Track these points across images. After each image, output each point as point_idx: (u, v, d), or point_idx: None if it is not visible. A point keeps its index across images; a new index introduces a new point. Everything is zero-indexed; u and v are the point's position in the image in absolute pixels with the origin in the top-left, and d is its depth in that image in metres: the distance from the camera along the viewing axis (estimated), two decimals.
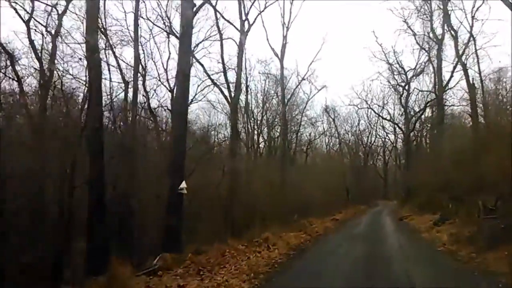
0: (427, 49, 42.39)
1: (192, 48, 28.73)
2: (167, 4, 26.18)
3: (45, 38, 19.14)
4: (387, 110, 58.51)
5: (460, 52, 34.19)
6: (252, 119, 39.90)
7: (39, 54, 18.81)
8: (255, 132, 40.43)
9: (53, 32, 19.12)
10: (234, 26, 27.81)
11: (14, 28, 19.69)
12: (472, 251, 13.77)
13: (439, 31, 39.39)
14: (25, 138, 14.52)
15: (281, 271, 12.60)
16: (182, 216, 15.47)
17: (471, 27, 33.01)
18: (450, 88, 40.42)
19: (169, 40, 28.22)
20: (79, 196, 13.08)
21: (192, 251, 14.03)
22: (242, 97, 34.77)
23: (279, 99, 38.25)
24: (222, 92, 27.89)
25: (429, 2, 38.64)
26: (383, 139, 69.74)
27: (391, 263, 13.54)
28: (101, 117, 14.27)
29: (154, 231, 16.67)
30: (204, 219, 21.98)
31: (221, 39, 27.40)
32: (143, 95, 26.19)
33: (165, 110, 28.90)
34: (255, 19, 29.55)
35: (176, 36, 28.05)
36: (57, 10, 19.04)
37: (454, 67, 37.82)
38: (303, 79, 40.78)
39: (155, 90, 25.72)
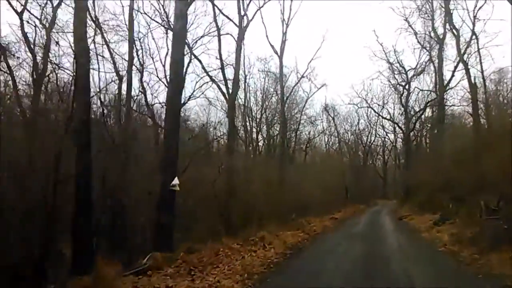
0: (428, 48, 42.16)
1: (191, 45, 28.49)
2: None
3: (41, 31, 18.83)
4: (387, 110, 58.48)
5: (462, 51, 33.80)
6: (251, 117, 39.80)
7: (32, 47, 18.45)
8: (254, 130, 40.20)
9: (47, 25, 18.73)
10: (233, 22, 27.34)
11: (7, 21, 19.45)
12: (475, 252, 13.34)
13: (440, 30, 39.28)
14: (16, 132, 14.08)
15: (277, 272, 12.10)
16: (174, 214, 14.89)
17: (473, 25, 32.65)
18: (450, 88, 40.37)
19: (167, 36, 27.74)
20: (65, 191, 12.49)
21: (185, 250, 13.57)
22: (241, 94, 34.74)
23: (279, 97, 37.93)
24: (220, 88, 27.46)
25: (430, 1, 38.43)
26: (382, 139, 69.70)
27: (391, 263, 13.07)
28: (89, 108, 13.74)
29: (147, 229, 16.14)
30: (200, 217, 21.51)
31: (219, 35, 26.95)
32: (140, 91, 25.94)
33: (162, 106, 28.70)
34: (254, 14, 29.01)
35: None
36: (51, 3, 18.67)
37: (456, 67, 37.63)
38: (302, 76, 40.66)
39: (152, 86, 25.65)
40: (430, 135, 49.54)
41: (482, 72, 31.69)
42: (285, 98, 37.66)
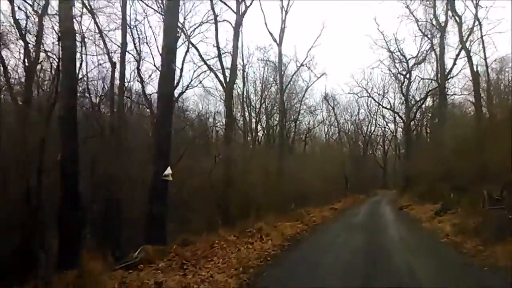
0: (429, 36, 41.61)
1: (188, 33, 28.00)
2: None
3: (34, 18, 18.27)
4: (388, 99, 58.35)
5: (464, 38, 33.22)
6: (251, 107, 39.31)
7: (24, 34, 17.90)
8: (253, 120, 39.79)
9: (39, 11, 18.15)
10: (230, 8, 26.79)
11: None
12: (479, 244, 12.86)
13: (442, 18, 38.70)
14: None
15: (274, 264, 11.63)
16: (167, 205, 14.31)
17: (476, 12, 32.04)
18: (452, 77, 40.15)
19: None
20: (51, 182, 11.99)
21: (179, 243, 13.12)
22: (240, 84, 34.29)
23: (278, 86, 37.51)
24: (217, 77, 26.99)
25: None
26: (382, 129, 69.38)
27: (392, 256, 12.59)
28: (75, 94, 13.18)
29: (141, 220, 15.60)
30: (197, 208, 21.12)
31: (216, 22, 26.41)
32: (137, 80, 25.46)
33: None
34: (252, 0, 28.44)
35: None
36: None
37: (458, 54, 37.13)
38: (301, 65, 40.21)
39: (150, 76, 25.18)
40: (431, 124, 49.25)
41: (485, 59, 31.17)
42: (284, 87, 37.32)
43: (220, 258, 11.65)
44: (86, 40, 19.61)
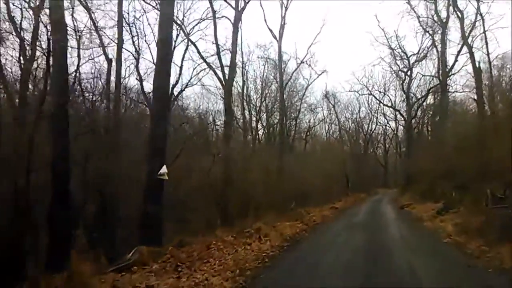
0: (430, 32, 41.26)
1: (188, 31, 27.69)
2: None
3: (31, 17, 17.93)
4: (388, 97, 58.12)
5: (466, 33, 32.88)
6: (251, 105, 39.17)
7: (19, 31, 17.57)
8: (254, 118, 39.57)
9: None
10: (229, 3, 26.41)
11: None
12: (482, 244, 12.48)
13: (443, 14, 38.35)
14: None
15: (272, 266, 11.23)
16: (162, 204, 13.90)
17: (478, 6, 31.68)
18: (453, 74, 39.81)
19: None
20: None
21: (175, 244, 12.78)
22: (240, 81, 34.06)
23: (278, 84, 37.14)
24: (216, 74, 26.64)
25: None
26: (383, 127, 69.08)
27: (394, 257, 12.23)
28: (66, 90, 12.83)
29: (138, 220, 15.20)
30: (195, 207, 20.78)
31: (214, 18, 26.03)
32: (136, 79, 25.15)
33: None
34: None
35: None
36: None
37: (459, 50, 36.96)
38: (302, 62, 40.01)
39: (149, 74, 24.89)
40: (432, 122, 48.98)
41: (488, 54, 30.79)
42: (284, 85, 37.08)
43: (216, 260, 11.27)
44: (81, 37, 19.37)
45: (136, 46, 25.62)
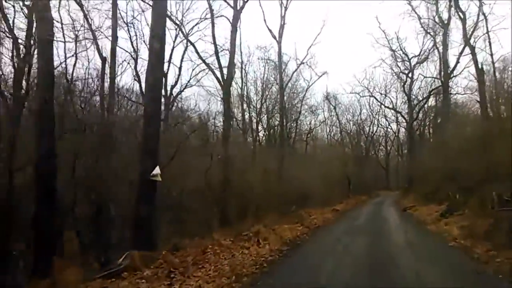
0: (432, 34, 40.93)
1: (187, 32, 27.29)
2: None
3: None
4: (390, 99, 57.70)
5: (468, 34, 32.42)
6: (251, 106, 39.06)
7: (12, 27, 17.08)
8: (254, 120, 39.20)
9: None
10: (227, 3, 25.93)
11: None
12: (490, 248, 11.99)
13: (445, 15, 38.09)
14: None
15: (270, 272, 10.66)
16: (155, 207, 13.27)
17: (481, 6, 31.26)
18: (455, 76, 39.65)
19: None
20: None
21: (170, 248, 12.22)
22: (239, 82, 33.73)
23: (278, 85, 36.68)
24: (214, 74, 26.18)
25: None
26: (385, 129, 68.67)
27: (398, 263, 11.64)
28: (52, 86, 12.26)
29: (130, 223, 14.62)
30: (194, 209, 20.30)
31: (212, 17, 25.61)
32: (134, 79, 24.82)
33: None
34: None
35: (168, 16, 26.57)
36: None
37: (461, 51, 36.52)
38: (302, 62, 39.64)
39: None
40: (434, 124, 48.66)
41: (491, 55, 30.34)
42: (284, 86, 36.76)
43: (212, 265, 10.71)
44: (78, 36, 18.92)
45: (134, 46, 25.39)
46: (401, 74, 50.44)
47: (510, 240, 11.89)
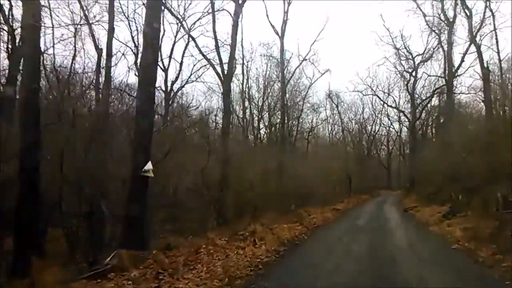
0: (437, 32, 40.47)
1: (189, 27, 26.87)
2: None
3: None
4: (393, 98, 57.24)
5: (474, 32, 31.92)
6: (253, 104, 39.05)
7: (8, 18, 16.65)
8: (255, 117, 38.87)
9: None
10: None
11: None
12: (495, 251, 11.54)
13: (450, 14, 37.55)
14: None
15: (265, 275, 10.11)
16: (146, 205, 12.69)
17: (489, 3, 30.76)
18: (459, 75, 39.34)
19: (163, 15, 26.50)
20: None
21: (162, 247, 11.75)
22: (240, 78, 33.35)
23: (280, 80, 36.43)
24: (214, 69, 25.71)
25: None
26: (387, 128, 68.04)
27: (400, 266, 11.13)
28: (38, 76, 11.74)
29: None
30: (190, 207, 19.86)
31: (213, 11, 25.13)
32: (135, 74, 24.42)
33: (159, 91, 27.29)
34: None
35: (170, 11, 26.23)
36: None
37: (466, 50, 36.10)
38: (304, 59, 39.03)
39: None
40: (437, 124, 48.22)
41: (498, 52, 29.80)
42: (286, 82, 36.40)
43: (204, 266, 10.18)
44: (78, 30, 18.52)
45: (136, 42, 24.98)
46: (404, 72, 50.24)
47: None
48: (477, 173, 21.78)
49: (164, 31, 27.61)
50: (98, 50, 18.40)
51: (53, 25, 14.85)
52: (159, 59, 27.77)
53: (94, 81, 18.32)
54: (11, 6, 16.82)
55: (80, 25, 17.25)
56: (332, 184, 39.55)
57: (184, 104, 31.79)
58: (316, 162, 40.43)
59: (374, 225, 21.91)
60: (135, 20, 23.87)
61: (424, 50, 45.45)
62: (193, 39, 26.52)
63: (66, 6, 18.16)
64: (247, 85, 36.94)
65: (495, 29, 30.32)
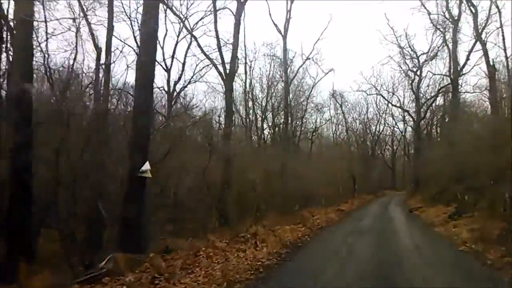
0: (442, 30, 40.05)
1: (191, 27, 26.56)
2: None
3: None
4: (397, 97, 56.76)
5: (480, 29, 31.46)
6: (256, 104, 38.66)
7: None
8: (259, 118, 38.65)
9: None
10: None
11: None
12: (504, 254, 11.21)
13: (455, 11, 37.19)
14: None
15: (266, 278, 9.76)
16: (144, 206, 12.34)
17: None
18: (464, 74, 38.75)
19: (166, 16, 26.36)
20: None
21: (160, 250, 11.40)
22: (243, 77, 33.03)
23: (283, 79, 36.14)
24: (216, 68, 25.37)
25: None
26: (391, 128, 67.71)
27: (406, 269, 10.72)
28: (31, 73, 11.42)
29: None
30: (192, 208, 19.51)
31: (215, 10, 24.77)
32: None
33: (160, 90, 27.01)
34: None
35: (172, 10, 25.95)
36: None
37: (472, 48, 35.52)
38: (307, 58, 38.60)
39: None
40: (442, 123, 47.79)
41: (504, 49, 29.35)
42: (289, 81, 36.14)
43: (202, 270, 9.82)
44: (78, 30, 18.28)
45: (138, 41, 24.66)
46: (409, 71, 49.80)
47: None
48: (483, 173, 21.40)
49: (167, 30, 27.52)
50: (98, 49, 18.11)
51: (46, 19, 14.43)
52: (162, 59, 27.61)
53: (93, 80, 18.00)
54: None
55: (76, 18, 16.90)
56: (336, 184, 39.30)
57: (187, 104, 31.43)
58: (320, 162, 40.27)
59: (379, 227, 21.56)
60: (137, 19, 23.55)
61: (429, 49, 45.00)
62: (195, 38, 26.20)
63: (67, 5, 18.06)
64: (250, 85, 36.62)
65: (501, 26, 29.85)
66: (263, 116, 39.44)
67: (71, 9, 18.27)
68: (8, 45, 16.23)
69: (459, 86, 39.22)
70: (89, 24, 18.22)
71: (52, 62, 17.71)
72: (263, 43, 43.26)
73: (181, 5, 36.51)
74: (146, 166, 11.54)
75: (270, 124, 40.33)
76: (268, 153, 30.83)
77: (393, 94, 55.94)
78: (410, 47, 46.64)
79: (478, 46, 32.83)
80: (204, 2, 41.82)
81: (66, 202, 12.48)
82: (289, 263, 11.91)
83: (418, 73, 48.54)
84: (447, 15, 37.77)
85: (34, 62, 17.37)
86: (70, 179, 12.38)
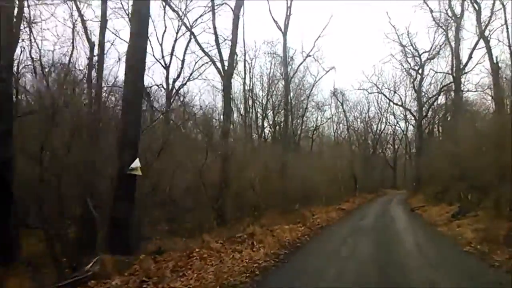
0: (444, 28, 39.72)
1: (191, 24, 26.20)
2: None
3: None
4: (399, 96, 56.30)
5: (483, 26, 31.00)
6: (257, 102, 38.73)
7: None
8: (260, 116, 38.41)
9: None
10: None
11: None
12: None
13: (458, 10, 37.07)
14: None
15: (262, 281, 9.28)
16: (134, 205, 11.79)
17: None
18: (467, 72, 38.76)
19: (165, 13, 26.08)
20: None
21: (152, 251, 10.92)
22: (242, 75, 32.73)
23: (283, 77, 35.79)
24: (214, 64, 24.97)
25: None
26: (393, 127, 67.38)
27: (409, 272, 10.26)
28: (11, 65, 10.92)
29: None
30: (187, 209, 19.06)
31: (213, 5, 24.55)
32: None
33: (159, 87, 26.72)
34: None
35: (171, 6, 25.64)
36: None
37: (474, 46, 35.24)
38: (308, 55, 38.48)
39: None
40: (444, 122, 47.42)
41: (509, 46, 28.73)
42: (290, 79, 36.00)
43: (195, 273, 9.29)
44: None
45: None
46: (411, 70, 49.72)
47: None
48: (487, 172, 20.91)
49: (166, 27, 27.19)
50: (91, 43, 17.66)
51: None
52: (161, 57, 27.33)
53: (86, 75, 17.55)
54: None
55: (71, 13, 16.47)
56: (337, 183, 38.97)
57: (185, 101, 31.11)
58: (321, 161, 39.85)
59: (381, 226, 21.07)
60: None
61: (431, 47, 44.95)
62: (194, 35, 25.91)
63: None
64: (250, 83, 36.32)
65: (506, 22, 29.35)
66: (264, 115, 39.43)
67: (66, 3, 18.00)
68: None
69: (462, 85, 38.95)
70: (83, 21, 17.81)
71: (45, 57, 17.48)
72: (264, 41, 42.98)
73: (180, 1, 36.21)
74: (136, 163, 11.05)
75: (270, 122, 40.53)
76: (268, 152, 30.39)
77: (395, 92, 55.75)
78: (412, 45, 46.80)
79: (481, 43, 32.53)
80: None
81: (51, 200, 11.91)
82: (287, 264, 11.41)
83: (420, 71, 48.42)
84: (449, 13, 37.70)
85: (27, 56, 17.34)
86: (55, 176, 11.79)
